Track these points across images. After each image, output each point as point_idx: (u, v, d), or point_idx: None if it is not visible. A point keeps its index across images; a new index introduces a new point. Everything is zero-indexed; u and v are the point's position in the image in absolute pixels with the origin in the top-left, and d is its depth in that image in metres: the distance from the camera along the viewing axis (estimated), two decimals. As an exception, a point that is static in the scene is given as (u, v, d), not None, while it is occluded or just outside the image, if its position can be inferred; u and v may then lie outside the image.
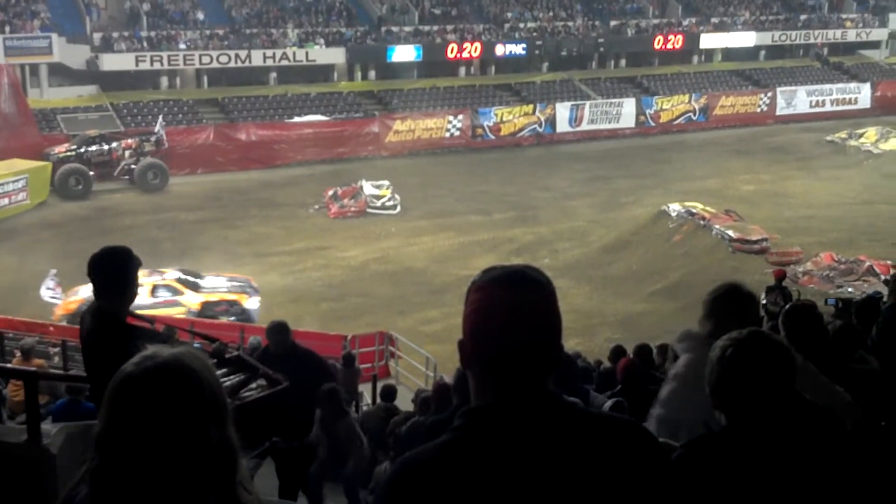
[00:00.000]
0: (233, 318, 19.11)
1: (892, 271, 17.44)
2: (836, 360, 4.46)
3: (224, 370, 4.36)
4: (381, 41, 40.83)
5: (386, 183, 30.66)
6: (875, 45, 49.53)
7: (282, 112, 37.28)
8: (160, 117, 33.76)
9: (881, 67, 48.26)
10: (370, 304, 22.44)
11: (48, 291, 19.98)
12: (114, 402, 1.63)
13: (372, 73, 41.07)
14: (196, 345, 4.69)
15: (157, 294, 19.14)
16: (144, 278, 16.39)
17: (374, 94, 40.11)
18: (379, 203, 29.91)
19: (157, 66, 36.82)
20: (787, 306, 5.01)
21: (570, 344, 16.37)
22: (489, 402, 1.80)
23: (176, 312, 18.43)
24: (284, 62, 38.61)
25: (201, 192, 31.46)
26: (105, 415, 1.64)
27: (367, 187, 30.27)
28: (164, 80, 37.61)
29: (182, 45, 37.20)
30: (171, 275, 20.10)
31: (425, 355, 16.63)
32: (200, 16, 38.92)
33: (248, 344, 11.36)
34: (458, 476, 1.70)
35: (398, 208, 29.88)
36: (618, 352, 9.96)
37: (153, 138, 32.27)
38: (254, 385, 4.17)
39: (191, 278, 20.34)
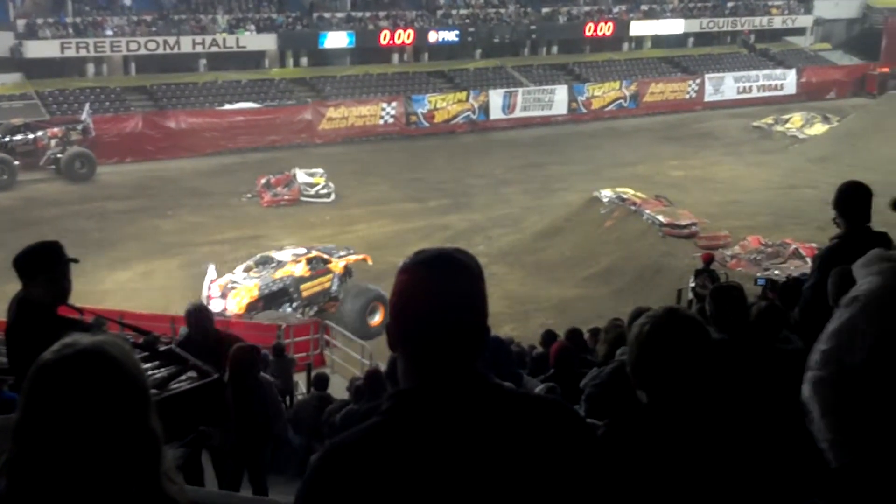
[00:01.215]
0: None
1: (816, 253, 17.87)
2: (761, 340, 4.57)
3: (154, 363, 4.30)
4: (313, 27, 40.46)
5: (320, 171, 30.45)
6: (800, 31, 50.63)
7: (212, 99, 36.73)
8: (87, 105, 33.00)
9: (806, 54, 49.39)
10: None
11: None
12: (31, 391, 1.60)
13: (304, 60, 40.69)
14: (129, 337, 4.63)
15: (312, 265, 20.74)
16: (299, 257, 20.52)
17: (307, 80, 39.74)
18: (313, 191, 29.69)
19: (83, 53, 35.94)
20: (713, 288, 5.11)
21: (504, 329, 16.52)
22: (415, 384, 1.81)
23: (327, 280, 20.70)
24: (214, 49, 38.04)
25: (130, 181, 30.86)
26: (22, 404, 1.61)
27: (301, 175, 30.02)
28: (91, 68, 36.73)
29: (109, 32, 36.36)
30: (312, 250, 21.71)
31: (360, 343, 16.61)
32: (127, 1, 38.06)
33: (179, 335, 11.16)
34: (384, 459, 1.71)
35: (332, 196, 29.71)
36: (550, 336, 10.07)
37: (80, 127, 31.52)
38: (184, 377, 4.13)
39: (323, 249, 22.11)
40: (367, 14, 41.85)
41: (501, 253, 24.06)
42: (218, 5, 39.39)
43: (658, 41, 47.24)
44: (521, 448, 1.76)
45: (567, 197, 28.94)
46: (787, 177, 31.10)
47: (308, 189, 29.69)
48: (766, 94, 45.42)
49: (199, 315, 7.03)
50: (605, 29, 45.32)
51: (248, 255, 24.89)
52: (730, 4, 49.09)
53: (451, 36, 42.44)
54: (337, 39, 40.35)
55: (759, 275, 18.57)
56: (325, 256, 21.19)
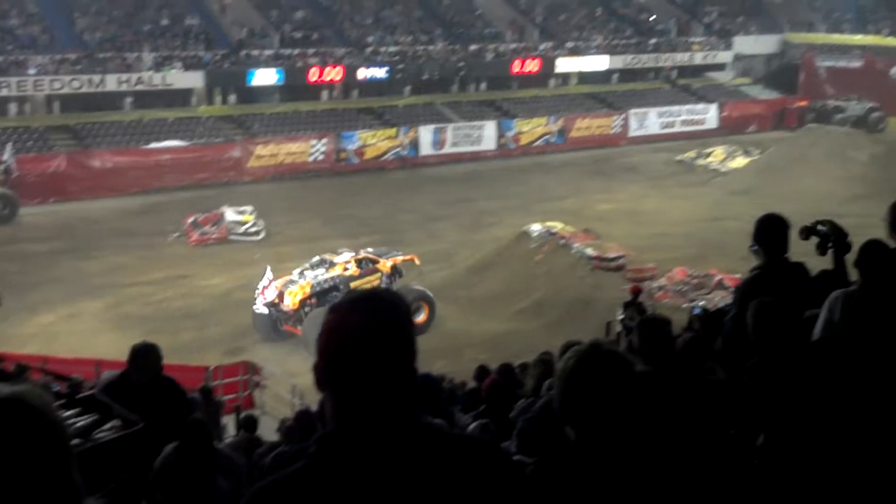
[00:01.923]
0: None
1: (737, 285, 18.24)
2: (686, 372, 4.65)
3: (76, 410, 4.20)
4: (241, 65, 40.30)
5: (249, 208, 30.18)
6: (721, 67, 52.06)
7: (138, 138, 36.23)
8: (8, 145, 32.17)
9: (727, 89, 50.77)
10: (234, 332, 22.00)
11: None
12: None
13: (232, 98, 40.46)
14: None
15: (361, 265, 22.75)
16: (349, 259, 22.66)
17: (235, 118, 39.50)
18: (242, 229, 29.39)
19: (4, 92, 35.22)
20: (639, 320, 5.19)
21: (437, 365, 16.48)
22: (340, 426, 1.80)
23: (375, 278, 22.58)
24: (140, 87, 37.58)
25: (53, 222, 30.19)
26: None
27: (230, 213, 29.71)
28: (13, 107, 35.98)
29: (32, 71, 35.69)
30: (361, 252, 23.68)
31: (291, 383, 16.41)
32: (51, 40, 37.48)
33: (101, 379, 10.87)
34: (308, 502, 1.70)
35: (262, 234, 29.45)
36: (482, 371, 10.09)
37: (1, 167, 30.79)
38: (108, 426, 4.03)
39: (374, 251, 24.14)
40: (296, 51, 41.85)
41: (433, 288, 24.04)
42: (144, 43, 39.00)
43: (583, 77, 48.13)
44: (447, 490, 1.76)
45: (498, 232, 29.15)
46: (711, 209, 31.76)
47: (237, 227, 29.38)
48: (689, 128, 46.50)
49: (148, 355, 6.37)
50: (532, 66, 46.07)
51: (175, 296, 24.58)
52: (652, 41, 50.28)
53: (380, 73, 42.65)
54: (265, 77, 40.23)
55: (684, 306, 18.91)
56: (374, 257, 23.24)
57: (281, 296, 21.31)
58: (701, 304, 19.25)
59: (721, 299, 19.65)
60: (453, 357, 19.19)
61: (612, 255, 25.32)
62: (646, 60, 49.65)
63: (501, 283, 25.06)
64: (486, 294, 24.56)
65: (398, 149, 39.99)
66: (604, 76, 48.66)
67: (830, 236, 5.47)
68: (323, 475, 1.73)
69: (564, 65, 47.33)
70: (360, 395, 1.79)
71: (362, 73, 42.29)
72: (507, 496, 1.84)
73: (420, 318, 21.27)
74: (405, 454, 1.77)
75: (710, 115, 47.69)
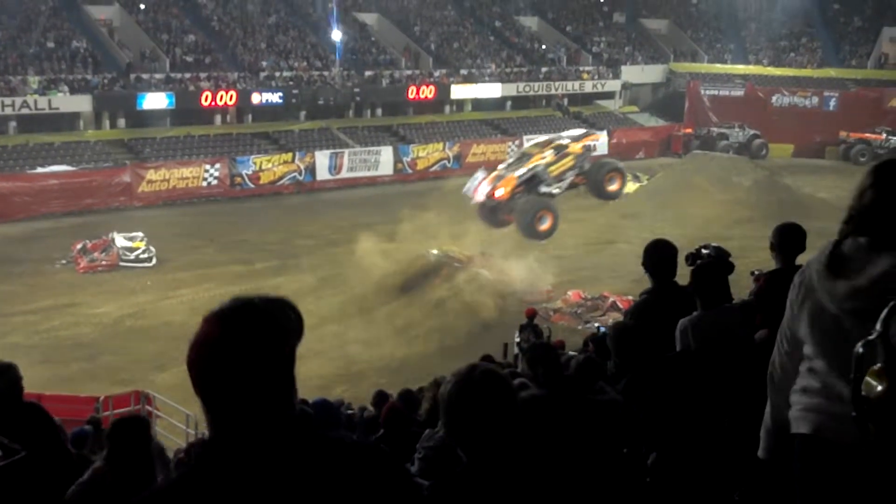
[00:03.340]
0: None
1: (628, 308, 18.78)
2: (577, 393, 4.77)
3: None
4: (131, 88, 39.44)
5: (140, 234, 29.44)
6: (610, 95, 53.51)
7: (23, 163, 35.04)
8: None
9: (616, 116, 52.19)
10: (125, 361, 21.36)
11: None
12: None
13: (122, 122, 39.52)
14: None
15: (556, 151, 25.78)
16: (543, 147, 26.30)
17: (125, 142, 38.59)
18: (132, 255, 28.65)
19: None
20: (526, 348, 5.31)
21: (336, 391, 16.40)
22: (215, 435, 1.81)
23: (570, 160, 25.86)
24: (25, 110, 36.40)
25: (-69, 249, 28.87)
26: None
27: (119, 239, 28.93)
28: None
29: None
30: (554, 140, 27.29)
31: (185, 413, 16.03)
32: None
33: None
34: None
35: (154, 260, 28.75)
36: (381, 397, 10.07)
37: None
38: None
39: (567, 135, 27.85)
40: (188, 75, 41.20)
41: (332, 313, 23.91)
42: (29, 66, 37.81)
43: (478, 104, 48.78)
44: (329, 495, 1.77)
45: (396, 256, 29.16)
46: (604, 233, 32.48)
47: (127, 253, 28.63)
48: (582, 154, 47.48)
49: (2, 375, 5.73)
50: (427, 92, 46.47)
51: (63, 325, 23.80)
52: (544, 70, 51.35)
53: (274, 98, 42.36)
54: (156, 100, 39.46)
55: (579, 327, 19.29)
56: (565, 143, 26.33)
57: (493, 190, 24.99)
58: (588, 325, 19.71)
59: (614, 321, 20.09)
60: (353, 382, 19.11)
61: (508, 277, 25.62)
62: (537, 88, 50.66)
63: (402, 308, 25.08)
64: (386, 319, 24.53)
65: (294, 173, 39.73)
66: (498, 103, 49.43)
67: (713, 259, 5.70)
68: (200, 483, 1.75)
69: (459, 91, 47.92)
70: (226, 405, 1.79)
71: (256, 98, 41.92)
72: (396, 498, 1.85)
73: (545, 225, 25.01)
74: (283, 460, 1.77)
75: (600, 141, 48.79)
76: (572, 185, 26.50)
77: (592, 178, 26.28)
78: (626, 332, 4.58)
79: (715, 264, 5.20)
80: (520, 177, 25.21)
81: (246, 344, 1.80)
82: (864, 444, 2.11)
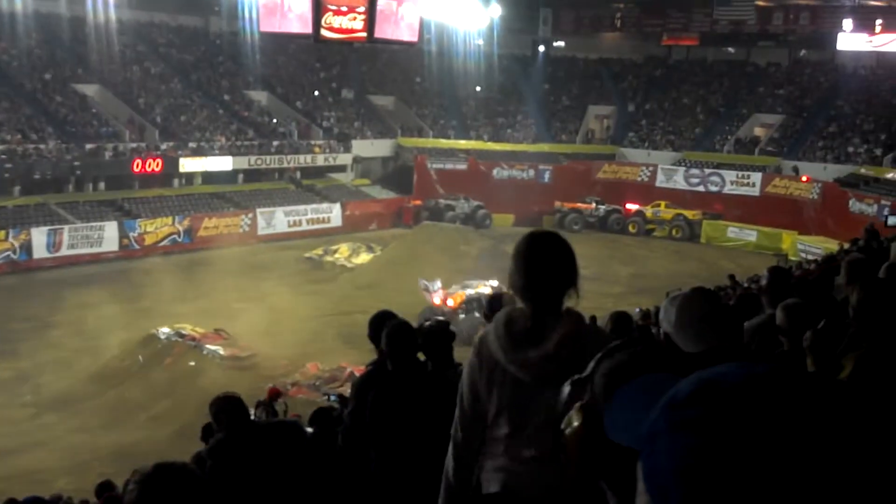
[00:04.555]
0: None
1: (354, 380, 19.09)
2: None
3: None
4: None
5: None
6: (342, 168, 54.43)
7: None
8: None
9: (349, 189, 53.13)
10: None
11: None
12: None
13: None
14: None
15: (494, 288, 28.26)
16: (486, 285, 29.71)
17: None
18: None
19: None
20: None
21: (58, 484, 15.38)
22: None
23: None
24: None
25: None
26: None
27: None
28: None
29: None
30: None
31: None
32: None
33: None
34: None
35: None
36: (104, 487, 9.65)
37: None
38: None
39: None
40: None
41: (52, 401, 22.43)
42: None
43: (208, 177, 47.94)
44: None
45: (123, 336, 27.89)
46: (339, 303, 32.82)
47: None
48: (315, 226, 47.93)
49: None
50: (154, 165, 45.08)
51: None
52: (275, 143, 51.51)
53: (-16, 172, 39.48)
54: None
55: (318, 400, 19.34)
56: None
57: (445, 298, 29.94)
58: (325, 398, 19.81)
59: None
60: (78, 474, 17.96)
61: (244, 353, 25.29)
62: (270, 161, 50.63)
63: (129, 390, 23.97)
64: (112, 403, 23.32)
65: (8, 252, 37.02)
66: (229, 176, 48.85)
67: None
68: None
69: (188, 164, 46.89)
70: None
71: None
72: None
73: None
74: None
75: (334, 213, 49.53)
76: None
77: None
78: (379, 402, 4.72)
79: (438, 331, 5.52)
80: (468, 296, 29.70)
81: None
82: (552, 491, 2.39)
